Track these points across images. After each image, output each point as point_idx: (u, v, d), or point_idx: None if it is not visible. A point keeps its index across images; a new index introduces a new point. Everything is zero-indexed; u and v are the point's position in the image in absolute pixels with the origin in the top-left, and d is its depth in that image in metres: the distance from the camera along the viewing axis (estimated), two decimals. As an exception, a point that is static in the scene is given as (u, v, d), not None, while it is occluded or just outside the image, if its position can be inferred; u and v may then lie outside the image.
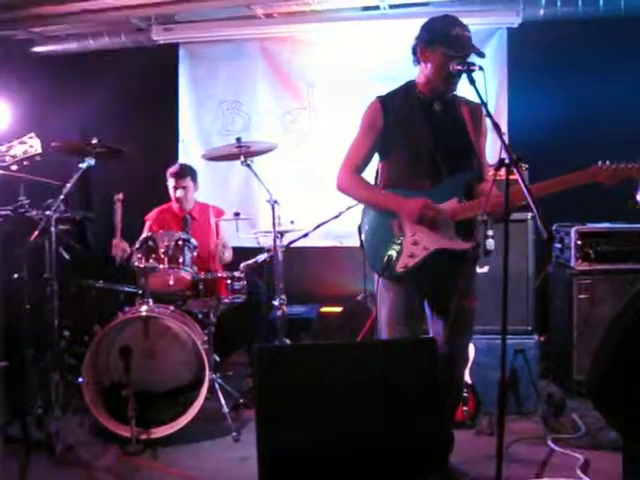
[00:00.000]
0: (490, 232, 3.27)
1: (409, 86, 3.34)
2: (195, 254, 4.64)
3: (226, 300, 4.69)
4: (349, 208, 4.54)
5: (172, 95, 6.54)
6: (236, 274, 4.75)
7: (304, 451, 2.65)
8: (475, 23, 5.40)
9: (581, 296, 4.78)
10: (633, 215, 3.63)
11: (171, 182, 5.31)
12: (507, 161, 2.51)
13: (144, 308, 4.30)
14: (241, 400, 4.75)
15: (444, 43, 3.11)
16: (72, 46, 6.62)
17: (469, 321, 3.35)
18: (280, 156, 5.68)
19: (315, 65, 6.29)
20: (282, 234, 4.88)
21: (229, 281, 4.70)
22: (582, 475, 3.49)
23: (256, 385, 3.04)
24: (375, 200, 3.29)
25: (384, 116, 3.27)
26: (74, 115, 6.48)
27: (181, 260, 4.47)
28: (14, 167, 3.50)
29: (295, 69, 6.34)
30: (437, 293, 3.31)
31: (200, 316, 4.72)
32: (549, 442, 3.97)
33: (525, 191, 2.48)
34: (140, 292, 4.54)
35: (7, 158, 3.45)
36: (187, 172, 5.35)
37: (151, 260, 4.39)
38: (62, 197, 4.11)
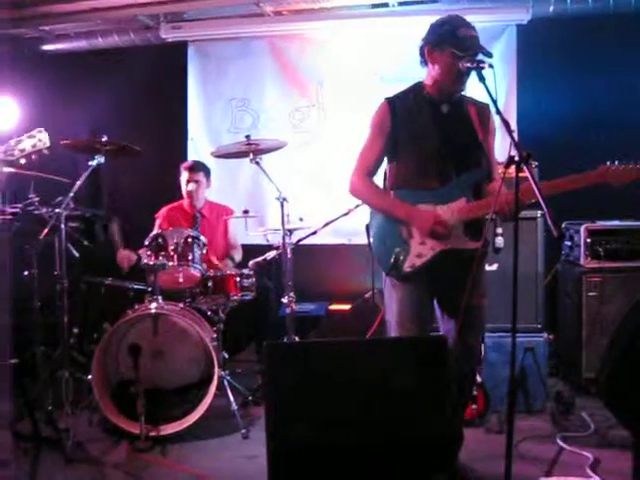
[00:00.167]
0: (499, 230, 3.28)
1: (417, 87, 3.34)
2: (204, 251, 4.64)
3: (235, 297, 4.69)
4: (358, 206, 4.54)
5: (181, 93, 6.55)
6: (245, 271, 4.76)
7: (313, 447, 2.66)
8: (484, 20, 5.43)
9: (590, 294, 4.77)
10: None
11: (184, 175, 5.35)
12: (517, 159, 2.50)
13: (153, 305, 4.31)
14: (250, 397, 4.76)
15: (452, 43, 3.11)
16: (81, 44, 6.63)
17: (479, 319, 3.34)
18: (289, 154, 5.67)
19: (324, 63, 6.28)
20: (291, 232, 4.88)
21: (238, 278, 4.69)
22: (592, 474, 3.48)
23: (266, 382, 3.05)
24: (386, 208, 3.28)
25: (392, 117, 3.27)
26: (83, 113, 6.50)
27: (190, 257, 4.47)
28: (23, 161, 3.51)
29: (304, 67, 6.34)
30: (446, 292, 3.30)
31: (209, 313, 4.73)
32: (558, 440, 3.96)
33: (535, 189, 2.47)
34: (149, 289, 4.55)
35: (16, 152, 3.47)
36: (200, 167, 5.41)
37: (160, 257, 4.40)
38: (72, 195, 4.13)
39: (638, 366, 2.90)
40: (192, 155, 6.36)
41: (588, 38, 5.68)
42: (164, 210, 5.47)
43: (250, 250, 5.50)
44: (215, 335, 4.52)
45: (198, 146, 6.51)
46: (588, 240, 4.81)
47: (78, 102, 6.54)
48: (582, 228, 4.84)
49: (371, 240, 3.37)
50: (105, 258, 5.30)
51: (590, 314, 4.76)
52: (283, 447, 2.66)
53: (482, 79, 2.90)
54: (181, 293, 4.68)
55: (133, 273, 4.95)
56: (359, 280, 5.89)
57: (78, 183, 4.16)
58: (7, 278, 3.75)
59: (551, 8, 5.63)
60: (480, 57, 3.06)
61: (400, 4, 5.97)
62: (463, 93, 3.30)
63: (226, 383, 4.46)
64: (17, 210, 4.63)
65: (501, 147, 3.61)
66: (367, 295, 5.58)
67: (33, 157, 3.53)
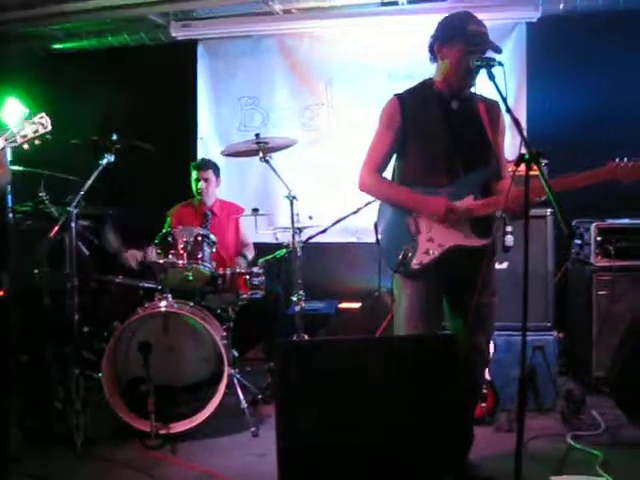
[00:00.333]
0: (509, 228, 3.27)
1: (426, 84, 3.33)
2: (214, 250, 4.65)
3: (245, 296, 4.70)
4: (368, 204, 4.52)
5: (190, 92, 6.57)
6: (254, 270, 4.77)
7: (323, 445, 2.66)
8: (494, 18, 5.42)
9: (601, 292, 4.76)
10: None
11: (194, 174, 5.37)
12: (527, 157, 2.50)
13: (163, 303, 4.33)
14: (259, 396, 4.78)
15: (461, 39, 3.11)
16: (91, 43, 6.66)
17: (489, 318, 3.33)
18: (298, 152, 5.67)
19: (333, 61, 6.28)
20: (300, 230, 4.89)
21: (248, 277, 4.71)
22: (602, 472, 3.47)
23: (276, 380, 3.06)
24: (397, 199, 3.28)
25: (402, 114, 3.27)
26: (93, 112, 6.50)
27: (200, 256, 4.48)
28: (26, 146, 3.53)
29: (313, 65, 6.34)
30: (455, 290, 3.29)
31: (219, 311, 4.74)
32: (568, 439, 3.95)
33: (546, 187, 2.47)
34: (159, 287, 4.56)
35: (18, 139, 3.49)
36: (210, 165, 5.43)
37: (170, 256, 4.41)
38: (82, 193, 4.14)
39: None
40: (202, 154, 6.37)
41: (598, 36, 5.64)
42: (174, 208, 5.50)
43: (260, 248, 5.51)
44: (225, 333, 4.53)
45: (208, 145, 6.53)
46: (598, 238, 4.80)
47: (88, 101, 6.56)
48: (592, 226, 4.82)
49: (379, 237, 3.37)
50: (115, 256, 5.32)
51: (600, 313, 4.75)
52: (293, 445, 2.66)
53: (492, 77, 2.89)
54: (191, 291, 4.68)
55: (143, 271, 4.96)
56: (368, 278, 5.88)
57: (89, 182, 4.17)
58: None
59: (561, 6, 5.62)
60: (489, 53, 3.06)
61: (409, 2, 5.96)
62: (473, 90, 3.29)
63: (236, 381, 4.47)
64: (27, 208, 4.65)
65: (511, 145, 3.61)
66: (376, 293, 5.59)
67: (36, 142, 3.54)
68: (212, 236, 4.64)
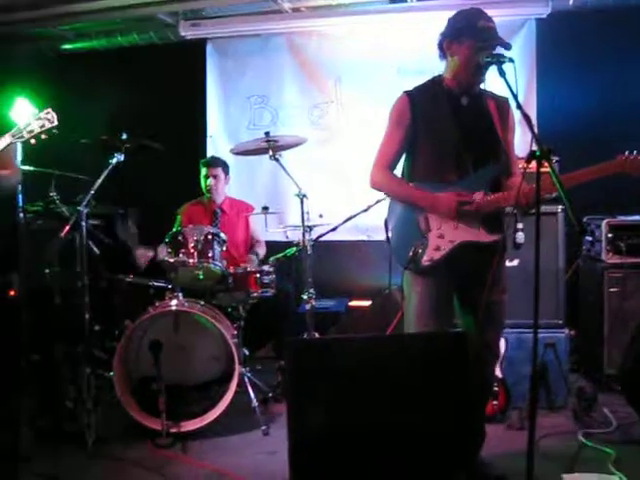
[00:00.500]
0: (520, 225, 3.26)
1: (436, 81, 3.33)
2: (224, 248, 4.66)
3: (255, 294, 4.70)
4: (378, 202, 4.52)
5: (200, 91, 6.58)
6: (265, 268, 4.77)
7: (334, 443, 2.66)
8: (503, 14, 5.41)
9: (612, 289, 4.74)
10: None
11: (203, 171, 5.40)
12: (538, 153, 2.48)
13: (174, 302, 4.34)
14: (270, 394, 4.77)
15: (471, 35, 3.11)
16: (101, 43, 6.68)
17: (499, 315, 3.32)
18: (308, 150, 5.66)
19: (342, 58, 6.28)
20: (311, 228, 4.89)
21: (258, 275, 4.71)
22: (615, 470, 3.45)
23: (287, 378, 3.06)
24: (408, 198, 3.27)
25: (411, 111, 3.26)
26: (103, 111, 6.52)
27: (210, 255, 4.48)
28: (33, 141, 3.55)
29: (322, 63, 6.34)
30: (465, 287, 3.28)
31: (229, 310, 4.74)
32: (580, 437, 3.94)
33: (557, 183, 2.46)
34: (170, 286, 4.57)
35: (24, 134, 3.50)
36: (219, 163, 5.45)
37: (181, 255, 4.41)
38: (92, 192, 4.15)
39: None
40: (211, 152, 6.38)
41: (608, 31, 5.62)
42: (184, 207, 5.52)
43: (270, 247, 5.52)
44: (235, 332, 4.53)
45: (217, 143, 6.54)
46: (609, 235, 4.78)
47: (98, 101, 6.58)
48: (603, 223, 4.80)
49: (389, 235, 3.36)
50: (125, 255, 5.34)
51: (611, 310, 4.73)
52: (304, 442, 2.66)
53: (502, 74, 2.88)
54: (201, 290, 4.69)
55: (150, 270, 4.97)
56: (379, 276, 5.86)
57: (99, 181, 4.18)
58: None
59: (571, 1, 5.60)
60: (499, 49, 3.05)
61: (418, -1, 5.96)
62: (483, 87, 3.28)
63: (246, 380, 4.47)
64: (38, 208, 4.66)
65: (521, 142, 3.59)
66: (386, 291, 5.58)
67: (43, 137, 3.55)
68: (222, 235, 4.64)
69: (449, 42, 3.21)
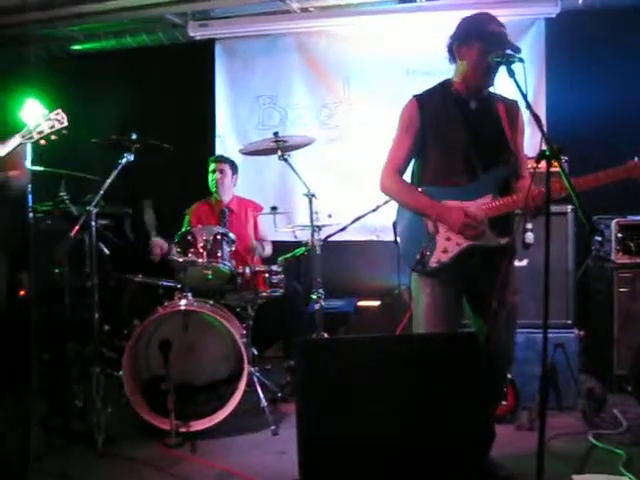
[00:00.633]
0: (529, 225, 3.25)
1: (445, 84, 3.33)
2: (233, 248, 4.66)
3: (264, 294, 4.70)
4: (387, 202, 4.50)
5: (208, 91, 6.59)
6: (274, 268, 4.77)
7: (343, 443, 2.66)
8: (512, 14, 5.40)
9: (622, 290, 4.73)
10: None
11: (211, 166, 5.43)
12: (547, 153, 2.48)
13: (183, 302, 4.34)
14: (279, 394, 4.78)
15: (480, 39, 3.10)
16: (110, 44, 6.70)
17: (512, 316, 3.30)
18: (317, 150, 5.67)
19: (351, 58, 6.28)
20: (319, 228, 4.89)
21: (267, 275, 4.71)
22: (625, 472, 3.44)
23: (296, 378, 3.06)
24: (417, 206, 3.25)
25: (421, 115, 3.26)
26: (112, 112, 6.54)
27: (219, 254, 4.49)
28: (42, 142, 3.56)
29: (331, 63, 6.34)
30: (474, 289, 3.27)
31: (238, 310, 4.75)
32: (590, 438, 3.92)
33: (566, 182, 2.45)
34: (179, 286, 4.57)
35: (34, 135, 3.51)
36: (227, 159, 5.49)
37: (190, 254, 4.42)
38: (102, 192, 4.16)
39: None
40: (220, 152, 6.36)
41: (618, 31, 5.61)
42: (193, 207, 5.53)
43: (279, 247, 5.52)
44: (244, 331, 4.54)
45: (226, 143, 6.55)
46: (619, 235, 4.76)
47: (107, 101, 6.61)
48: (613, 223, 4.79)
49: (398, 236, 3.36)
50: (135, 255, 5.35)
51: (621, 310, 4.72)
52: (314, 443, 2.66)
53: (512, 74, 2.87)
54: (210, 290, 4.69)
55: (162, 269, 4.98)
56: (388, 276, 5.86)
57: (108, 181, 4.19)
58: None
59: (580, 1, 5.59)
60: (509, 52, 3.05)
61: (427, -1, 5.95)
62: (492, 90, 3.28)
63: (255, 379, 4.47)
64: (48, 208, 4.67)
65: (531, 142, 3.59)
66: (395, 291, 5.58)
67: (52, 137, 3.57)
68: (231, 234, 4.65)
69: (459, 45, 3.21)
